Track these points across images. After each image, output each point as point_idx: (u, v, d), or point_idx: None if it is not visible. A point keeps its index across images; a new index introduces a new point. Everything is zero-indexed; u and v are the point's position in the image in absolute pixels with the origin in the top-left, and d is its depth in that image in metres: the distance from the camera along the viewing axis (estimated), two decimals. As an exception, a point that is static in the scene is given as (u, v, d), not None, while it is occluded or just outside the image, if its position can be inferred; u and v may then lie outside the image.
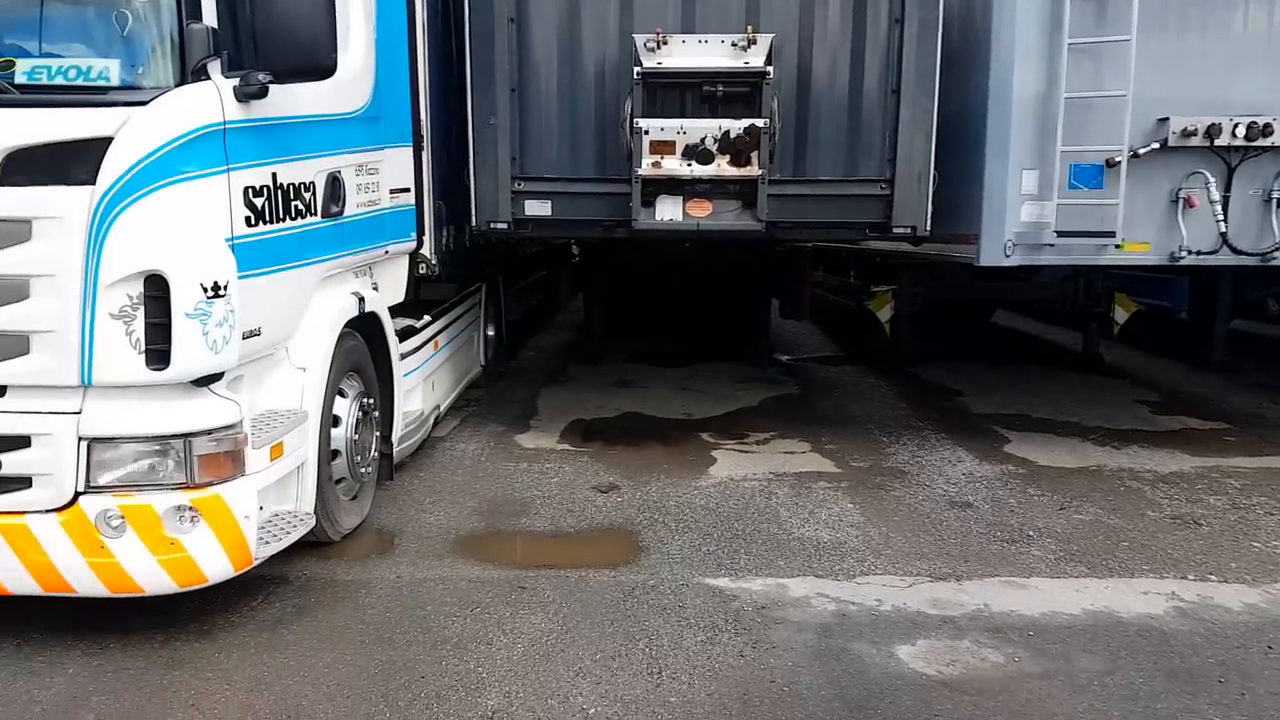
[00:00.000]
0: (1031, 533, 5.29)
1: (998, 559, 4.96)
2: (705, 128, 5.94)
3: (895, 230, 6.24)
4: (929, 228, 6.19)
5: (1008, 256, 6.15)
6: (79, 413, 3.66)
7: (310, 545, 4.77)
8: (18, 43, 3.56)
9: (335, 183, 4.68)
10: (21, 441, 3.63)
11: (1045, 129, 6.00)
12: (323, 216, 4.56)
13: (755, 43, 5.91)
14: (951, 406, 8.27)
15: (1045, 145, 6.00)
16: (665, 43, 5.91)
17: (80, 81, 3.50)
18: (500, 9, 6.06)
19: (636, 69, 5.89)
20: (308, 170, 4.41)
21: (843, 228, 6.50)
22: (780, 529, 5.39)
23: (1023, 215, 6.11)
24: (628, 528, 5.40)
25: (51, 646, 3.92)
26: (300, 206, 4.35)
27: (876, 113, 6.11)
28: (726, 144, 5.98)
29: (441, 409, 6.88)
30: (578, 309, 12.25)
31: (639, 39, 5.90)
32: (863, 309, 9.92)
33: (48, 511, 3.67)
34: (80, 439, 3.66)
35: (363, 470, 5.15)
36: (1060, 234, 6.07)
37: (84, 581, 3.72)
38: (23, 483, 3.65)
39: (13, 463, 3.62)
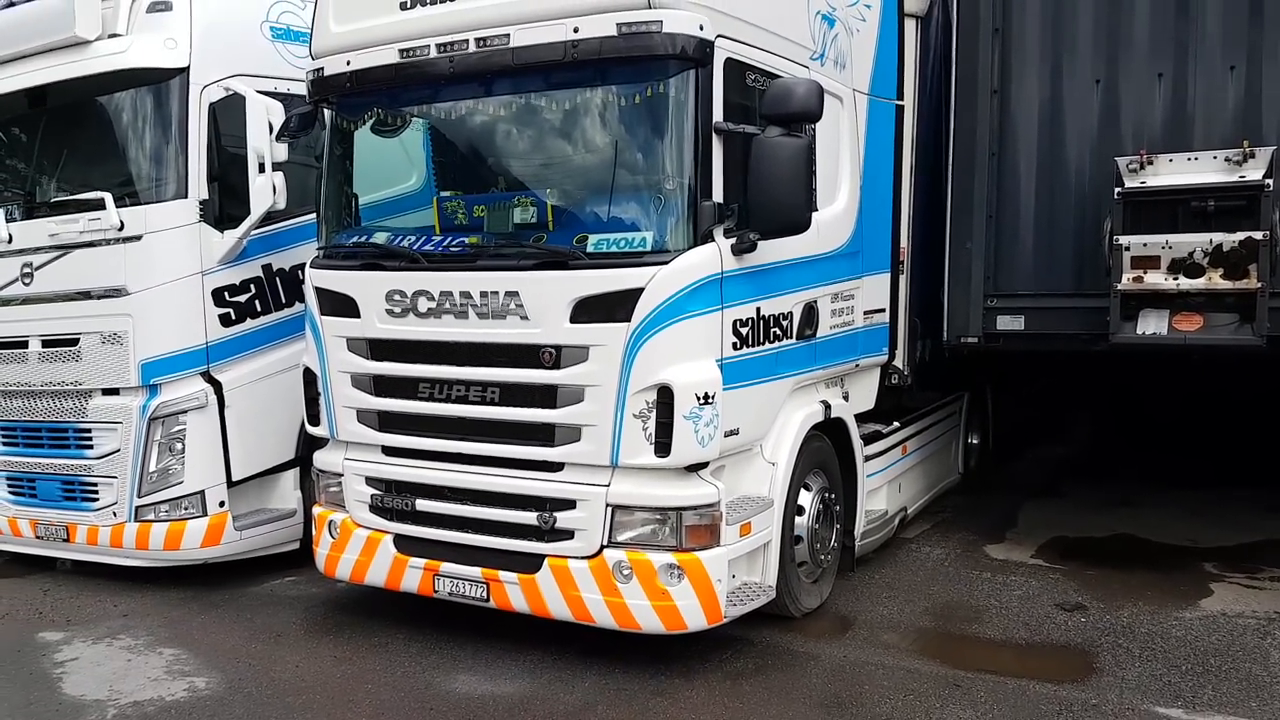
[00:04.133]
0: None
1: None
2: (1193, 241, 6.07)
3: None
4: None
5: None
6: (608, 486, 5.19)
7: (774, 618, 5.87)
8: (591, 217, 5.32)
9: (810, 310, 5.86)
10: (570, 505, 5.26)
11: None
12: (797, 339, 5.76)
13: (1253, 156, 5.94)
14: None
15: None
16: (1150, 163, 6.19)
17: (627, 249, 5.08)
18: (981, 144, 6.84)
19: (1118, 189, 6.23)
20: (786, 303, 5.65)
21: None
22: (1266, 671, 5.27)
23: None
24: (1084, 648, 5.66)
25: (575, 664, 5.48)
26: (778, 332, 5.59)
27: None
28: (1219, 257, 6.04)
29: (909, 511, 7.63)
30: (1088, 420, 12.06)
31: (1121, 162, 6.24)
32: None
33: (581, 558, 5.23)
34: (608, 505, 5.19)
35: (823, 557, 6.15)
36: None
37: (601, 615, 5.20)
38: (568, 535, 5.27)
39: (564, 519, 5.27)
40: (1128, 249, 6.20)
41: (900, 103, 6.94)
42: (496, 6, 5.12)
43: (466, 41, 5.17)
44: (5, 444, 7.50)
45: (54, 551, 7.44)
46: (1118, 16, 6.57)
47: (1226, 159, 6.00)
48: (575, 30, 4.89)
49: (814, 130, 5.35)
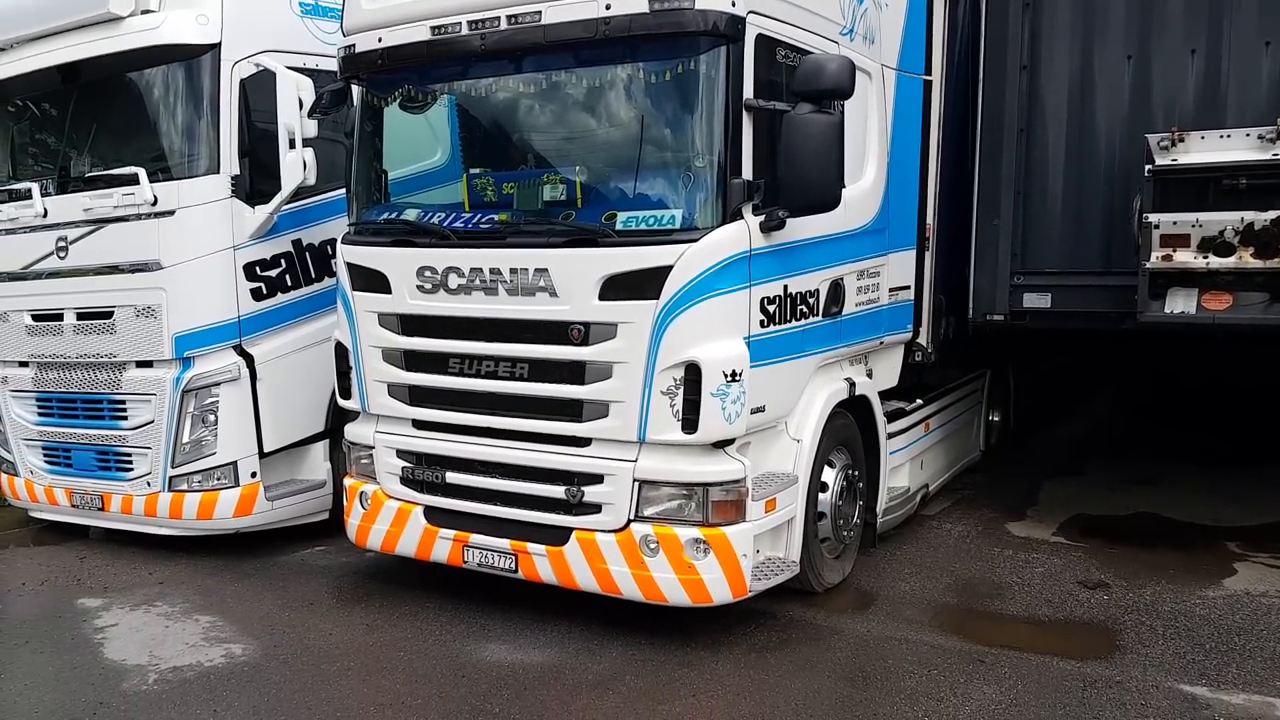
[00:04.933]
0: None
1: None
2: (1224, 220, 6.00)
3: None
4: None
5: None
6: (635, 461, 5.23)
7: (797, 593, 5.91)
8: (620, 194, 5.30)
9: (836, 288, 5.86)
10: (598, 479, 5.30)
11: None
12: (823, 316, 5.76)
13: (1287, 133, 5.87)
14: None
15: None
16: (1181, 140, 6.11)
17: (655, 227, 5.07)
18: (1010, 120, 6.79)
19: (1148, 167, 6.15)
20: (813, 280, 5.65)
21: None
22: (1292, 650, 5.28)
23: None
24: (1108, 626, 5.67)
25: (602, 635, 5.55)
26: (804, 309, 5.59)
27: None
28: (1250, 236, 5.97)
29: (930, 489, 7.64)
30: (1109, 397, 12.01)
31: (1152, 139, 6.16)
32: None
33: (608, 531, 5.28)
34: (635, 480, 5.23)
35: (845, 533, 6.18)
36: None
37: (628, 587, 5.26)
38: (595, 509, 5.32)
39: (591, 493, 5.32)
40: (1157, 227, 6.13)
41: (928, 78, 6.88)
42: (529, -17, 5.12)
43: (498, 19, 5.16)
44: (42, 414, 7.62)
45: (89, 520, 7.59)
46: (1151, -11, 6.50)
47: (1260, 137, 5.91)
48: (607, 7, 4.88)
49: (843, 106, 5.31)
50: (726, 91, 4.99)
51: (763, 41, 5.13)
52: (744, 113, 5.03)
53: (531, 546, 5.49)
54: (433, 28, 5.38)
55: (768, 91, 5.17)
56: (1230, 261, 6.01)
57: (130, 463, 7.18)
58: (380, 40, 5.59)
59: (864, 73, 5.97)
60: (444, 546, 5.81)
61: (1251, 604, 5.89)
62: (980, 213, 6.97)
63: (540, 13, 5.06)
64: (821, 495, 5.94)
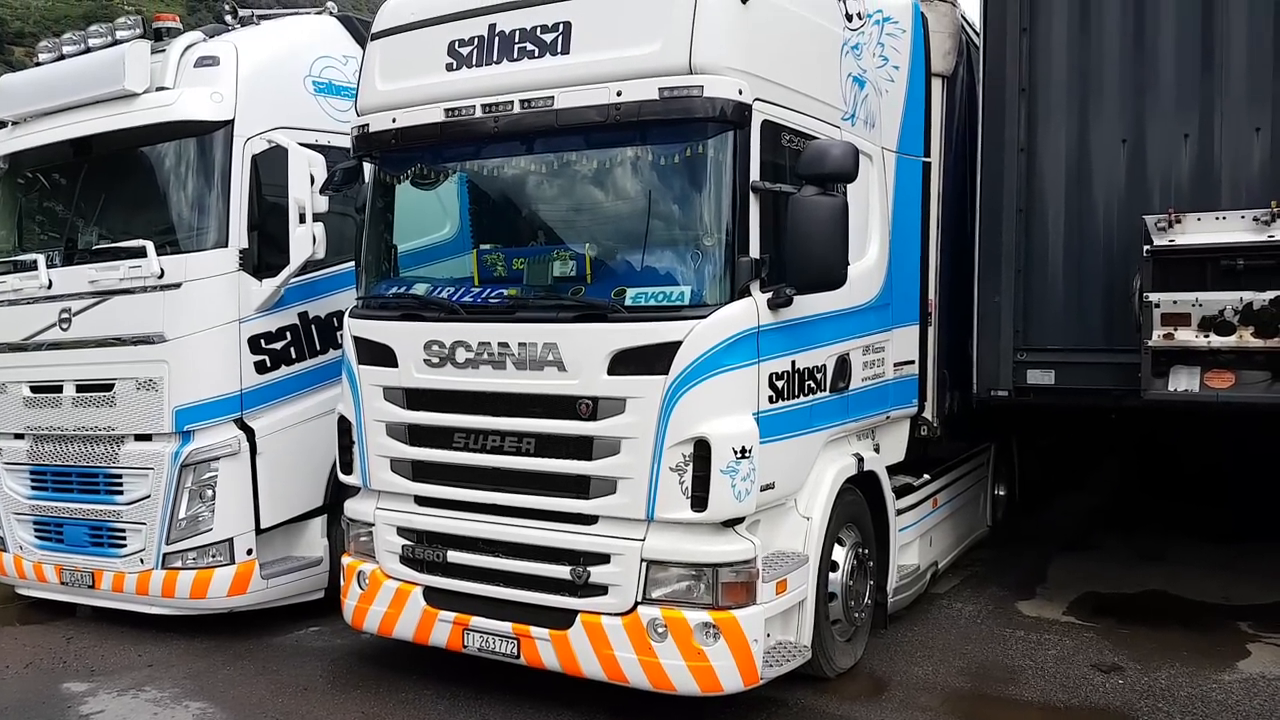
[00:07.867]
0: None
1: None
2: (1223, 299, 6.07)
3: None
4: None
5: None
6: (643, 540, 5.15)
7: (807, 679, 5.77)
8: (629, 271, 5.32)
9: (843, 363, 5.87)
10: (604, 559, 5.22)
11: None
12: (830, 392, 5.76)
13: (1282, 216, 5.98)
14: None
15: None
16: (1178, 221, 6.21)
17: (664, 303, 5.10)
18: (1009, 200, 6.89)
19: (1146, 248, 6.24)
20: (820, 356, 5.66)
21: None
22: (1312, 741, 5.18)
23: None
24: (1124, 712, 5.57)
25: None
26: (812, 385, 5.59)
27: None
28: (1249, 315, 6.04)
29: (940, 566, 7.56)
30: (1114, 470, 11.98)
31: (1149, 220, 6.26)
32: None
33: (615, 615, 5.17)
34: (642, 560, 5.14)
35: (857, 615, 6.09)
36: None
37: (635, 675, 5.12)
38: (601, 590, 5.22)
39: (597, 574, 5.22)
40: (1158, 306, 6.19)
41: (927, 160, 7.01)
42: (541, 70, 5.23)
43: (511, 103, 5.27)
44: (35, 488, 7.52)
45: (78, 598, 7.42)
46: (1142, 77, 6.66)
47: (1255, 218, 6.02)
48: (618, 94, 4.98)
49: (847, 188, 5.40)
50: (734, 174, 5.07)
51: (768, 127, 5.23)
52: (751, 194, 5.09)
53: (535, 630, 5.37)
54: (446, 109, 5.48)
55: (773, 174, 5.25)
56: (1231, 340, 6.06)
57: (124, 539, 7.06)
58: (394, 120, 5.69)
59: (865, 156, 6.07)
60: (443, 630, 5.67)
61: (1268, 688, 5.79)
62: (981, 290, 7.03)
63: (553, 97, 5.16)
64: (832, 575, 5.85)
